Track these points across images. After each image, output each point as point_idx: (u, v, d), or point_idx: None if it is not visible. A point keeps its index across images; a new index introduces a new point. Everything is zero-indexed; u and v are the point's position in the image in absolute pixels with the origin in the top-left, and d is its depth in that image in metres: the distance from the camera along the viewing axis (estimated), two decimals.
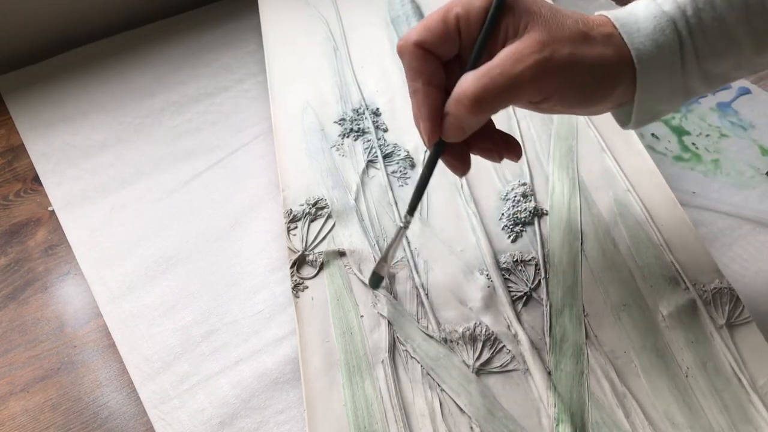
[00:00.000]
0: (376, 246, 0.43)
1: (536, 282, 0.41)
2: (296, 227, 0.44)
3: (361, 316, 0.39)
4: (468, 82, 0.30)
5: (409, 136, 0.50)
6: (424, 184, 0.34)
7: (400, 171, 0.47)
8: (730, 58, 0.32)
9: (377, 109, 0.52)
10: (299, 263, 0.42)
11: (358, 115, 0.51)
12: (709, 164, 0.50)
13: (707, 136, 0.52)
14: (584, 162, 0.47)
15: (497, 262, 0.42)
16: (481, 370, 0.37)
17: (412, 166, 0.48)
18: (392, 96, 0.53)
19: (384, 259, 0.37)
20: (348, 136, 0.50)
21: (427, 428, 0.35)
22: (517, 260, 0.41)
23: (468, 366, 0.37)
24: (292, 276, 0.41)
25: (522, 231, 0.43)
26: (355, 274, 0.41)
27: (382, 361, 0.37)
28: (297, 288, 0.41)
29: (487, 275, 0.41)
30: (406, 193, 0.46)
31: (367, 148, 0.49)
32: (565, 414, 0.35)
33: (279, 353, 0.40)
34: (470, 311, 0.40)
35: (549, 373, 0.37)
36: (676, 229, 0.42)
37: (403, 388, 0.36)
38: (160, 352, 0.40)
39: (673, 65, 0.32)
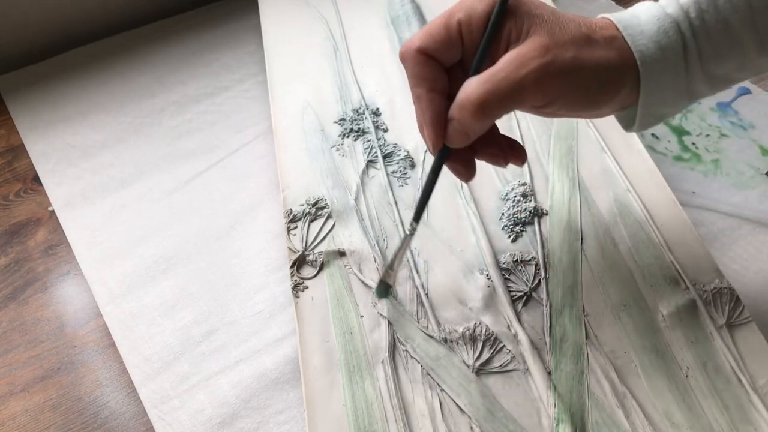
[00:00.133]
0: (376, 246, 0.43)
1: (536, 282, 0.41)
2: (296, 227, 0.44)
3: (361, 316, 0.39)
4: (471, 87, 0.30)
5: (409, 136, 0.50)
6: (429, 191, 0.33)
7: (400, 171, 0.47)
8: (734, 60, 0.32)
9: (377, 109, 0.52)
10: (299, 263, 0.42)
11: (358, 115, 0.51)
12: (709, 164, 0.50)
13: (707, 136, 0.52)
14: (584, 162, 0.47)
15: (497, 262, 0.42)
16: (481, 370, 0.37)
17: (412, 166, 0.48)
18: (392, 96, 0.53)
19: (390, 267, 0.37)
20: (348, 136, 0.50)
21: (427, 428, 0.35)
22: (517, 260, 0.41)
23: (468, 366, 0.37)
24: (292, 276, 0.41)
25: (522, 231, 0.43)
26: (355, 274, 0.41)
27: (382, 361, 0.37)
28: (297, 288, 0.41)
29: (487, 275, 0.41)
30: (406, 193, 0.46)
31: (367, 148, 0.49)
32: (565, 414, 0.35)
33: (279, 353, 0.40)
34: (470, 311, 0.40)
35: (549, 373, 0.37)
36: (676, 229, 0.42)
37: (403, 388, 0.36)
38: (160, 352, 0.40)
39: (676, 67, 0.32)
